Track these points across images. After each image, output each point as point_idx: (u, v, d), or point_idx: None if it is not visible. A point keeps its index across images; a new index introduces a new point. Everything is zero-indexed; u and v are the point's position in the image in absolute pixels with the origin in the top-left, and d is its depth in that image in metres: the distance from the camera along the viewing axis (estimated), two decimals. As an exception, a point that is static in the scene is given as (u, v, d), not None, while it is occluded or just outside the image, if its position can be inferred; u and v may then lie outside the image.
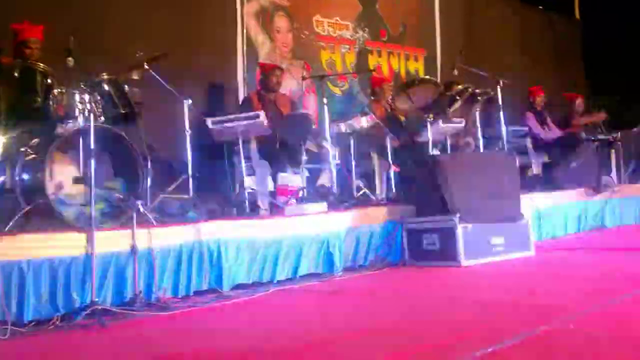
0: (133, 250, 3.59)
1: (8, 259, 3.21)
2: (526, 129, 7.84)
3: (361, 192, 5.48)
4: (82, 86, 3.95)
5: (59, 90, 3.93)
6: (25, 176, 3.85)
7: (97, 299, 3.37)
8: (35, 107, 3.81)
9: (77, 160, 3.90)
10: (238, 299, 3.83)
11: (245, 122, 4.87)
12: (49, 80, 3.88)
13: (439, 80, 7.68)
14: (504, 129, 6.43)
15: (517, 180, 5.24)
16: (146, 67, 4.69)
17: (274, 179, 5.39)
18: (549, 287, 3.80)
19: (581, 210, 6.76)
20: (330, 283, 4.37)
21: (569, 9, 11.41)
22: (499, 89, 6.30)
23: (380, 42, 8.34)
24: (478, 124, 6.32)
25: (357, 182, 5.51)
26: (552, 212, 6.37)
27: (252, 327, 3.26)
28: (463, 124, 6.32)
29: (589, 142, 7.49)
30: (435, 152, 6.08)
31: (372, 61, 8.22)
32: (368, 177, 6.13)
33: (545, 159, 7.82)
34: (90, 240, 3.44)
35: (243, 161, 4.89)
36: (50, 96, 3.87)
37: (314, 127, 5.35)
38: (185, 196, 4.69)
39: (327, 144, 5.36)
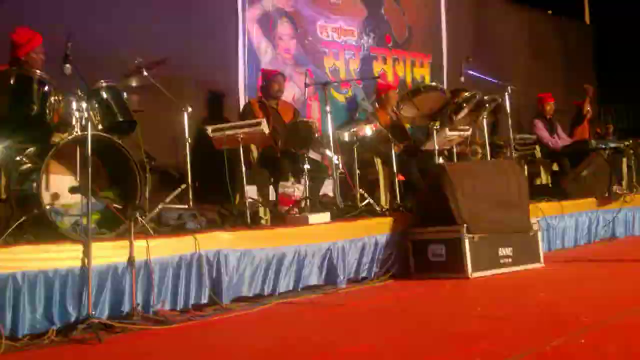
0: (130, 262, 3.59)
1: (2, 271, 3.20)
2: (535, 136, 7.83)
3: (365, 202, 5.47)
4: (79, 94, 3.95)
5: (56, 97, 3.92)
6: (21, 186, 3.85)
7: (93, 313, 3.36)
8: (31, 115, 3.80)
9: (74, 169, 3.90)
10: (238, 313, 3.82)
11: (246, 130, 4.87)
12: (45, 88, 3.87)
13: (445, 87, 7.69)
14: (511, 136, 6.43)
15: (526, 189, 5.23)
16: (145, 73, 4.70)
17: (276, 189, 5.40)
18: (559, 300, 3.78)
19: (591, 221, 6.75)
20: (334, 296, 4.36)
21: (579, 14, 11.43)
22: (506, 96, 6.30)
23: (386, 48, 8.36)
24: (485, 132, 6.31)
25: (361, 191, 5.50)
26: (562, 223, 6.36)
27: (252, 341, 3.25)
28: (470, 132, 6.32)
29: (599, 150, 7.47)
30: (441, 160, 6.07)
31: (377, 67, 8.24)
32: (372, 187, 6.13)
33: (555, 167, 7.81)
34: (86, 252, 3.43)
35: (244, 170, 4.88)
36: (47, 104, 3.87)
37: (316, 135, 5.34)
38: (184, 206, 4.69)
39: (330, 153, 5.36)
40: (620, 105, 11.46)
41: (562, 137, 8.15)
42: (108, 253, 3.58)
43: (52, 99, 3.90)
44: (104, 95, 4.17)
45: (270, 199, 5.56)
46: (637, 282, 4.15)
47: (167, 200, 4.69)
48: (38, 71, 3.94)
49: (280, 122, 5.78)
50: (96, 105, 4.06)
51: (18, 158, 3.93)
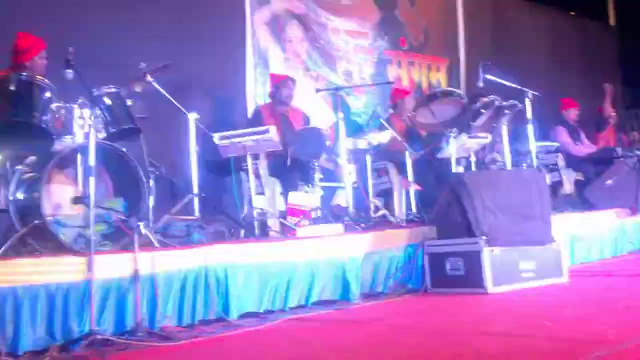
0: (135, 275, 3.60)
1: (2, 285, 3.22)
2: (557, 144, 7.81)
3: (379, 213, 5.48)
4: (82, 100, 4.00)
5: (58, 104, 3.97)
6: (21, 196, 3.89)
7: (96, 328, 3.38)
8: (32, 122, 3.85)
9: (76, 179, 3.94)
10: (246, 329, 3.81)
11: (254, 138, 4.89)
12: (47, 94, 3.92)
13: (462, 92, 7.69)
14: (533, 144, 6.41)
15: (548, 200, 5.21)
16: (149, 79, 4.74)
17: (285, 199, 5.41)
18: (585, 316, 3.75)
19: (618, 233, 6.70)
20: (346, 311, 4.35)
21: (602, 15, 11.40)
22: (527, 101, 6.29)
23: (401, 51, 8.38)
24: (505, 139, 6.30)
25: (374, 201, 5.51)
26: (587, 235, 6.32)
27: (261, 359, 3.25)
28: (489, 139, 6.31)
29: (625, 159, 7.44)
30: (459, 169, 6.07)
31: (392, 71, 8.26)
32: (386, 197, 6.13)
33: (578, 176, 7.78)
34: (89, 265, 3.44)
35: (252, 179, 4.90)
36: (48, 111, 3.92)
37: (328, 142, 5.36)
38: (191, 217, 4.71)
39: (342, 161, 5.37)
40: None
41: (586, 145, 8.13)
42: (112, 266, 3.59)
43: (53, 105, 3.94)
44: (107, 101, 4.21)
45: (280, 209, 5.57)
46: (666, 298, 4.12)
47: (173, 210, 4.72)
48: (39, 77, 3.99)
49: (291, 129, 5.80)
50: (99, 112, 4.09)
51: (18, 167, 3.97)
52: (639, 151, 7.67)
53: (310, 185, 5.41)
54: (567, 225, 6.00)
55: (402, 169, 6.05)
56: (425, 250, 5.00)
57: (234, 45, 6.76)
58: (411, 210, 5.86)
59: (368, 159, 5.67)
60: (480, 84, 6.46)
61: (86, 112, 3.97)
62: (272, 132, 4.91)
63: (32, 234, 3.73)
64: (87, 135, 3.84)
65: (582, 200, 7.08)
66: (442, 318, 4.15)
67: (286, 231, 5.08)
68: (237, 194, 4.98)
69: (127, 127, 4.27)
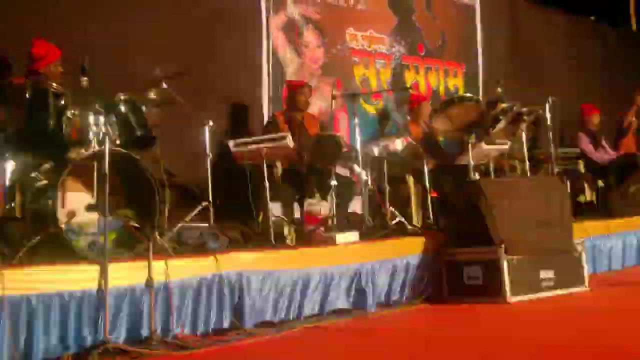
0: (149, 283, 3.61)
1: (16, 293, 3.23)
2: (578, 150, 7.74)
3: (396, 221, 5.44)
4: (97, 107, 4.00)
5: (73, 112, 3.99)
6: (36, 203, 3.90)
7: (110, 337, 3.39)
8: (47, 129, 3.87)
9: (91, 186, 3.95)
10: (261, 338, 3.81)
11: (270, 145, 4.88)
12: (62, 102, 3.94)
13: (481, 98, 7.65)
14: (553, 150, 6.36)
15: (569, 207, 5.16)
16: (164, 86, 4.75)
17: (301, 206, 5.40)
18: (607, 327, 3.71)
19: (640, 241, 6.63)
20: (362, 320, 4.34)
21: (623, 20, 11.30)
22: (547, 107, 6.24)
23: (418, 57, 8.36)
24: (524, 146, 6.25)
25: (391, 209, 5.48)
26: (608, 243, 6.26)
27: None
28: (508, 146, 6.26)
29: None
30: (478, 176, 6.02)
31: (409, 77, 8.23)
32: (403, 204, 6.09)
33: (600, 183, 7.70)
34: (103, 273, 3.45)
35: (267, 186, 4.89)
36: (63, 118, 3.94)
37: (344, 149, 5.34)
38: (205, 225, 4.71)
39: (359, 168, 5.35)
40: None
41: (607, 151, 8.05)
42: (125, 274, 3.60)
43: (68, 113, 3.97)
44: (122, 109, 4.21)
45: (295, 217, 5.56)
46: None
47: (187, 218, 4.72)
48: (54, 84, 4.02)
49: (306, 135, 5.79)
50: (114, 120, 4.10)
51: (33, 174, 4.00)
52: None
53: (325, 192, 5.38)
54: (588, 233, 5.93)
55: (419, 176, 6.01)
56: (443, 259, 4.98)
57: (249, 51, 6.77)
58: (428, 217, 5.82)
59: (384, 165, 5.64)
60: (499, 90, 6.43)
61: (101, 119, 3.98)
62: (288, 139, 4.90)
63: (47, 241, 3.74)
64: (102, 143, 3.86)
65: (604, 208, 6.99)
66: (460, 328, 4.12)
67: (301, 239, 5.06)
68: (253, 201, 4.97)
69: (142, 134, 4.28)
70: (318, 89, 7.10)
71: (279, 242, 4.85)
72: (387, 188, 5.60)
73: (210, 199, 4.82)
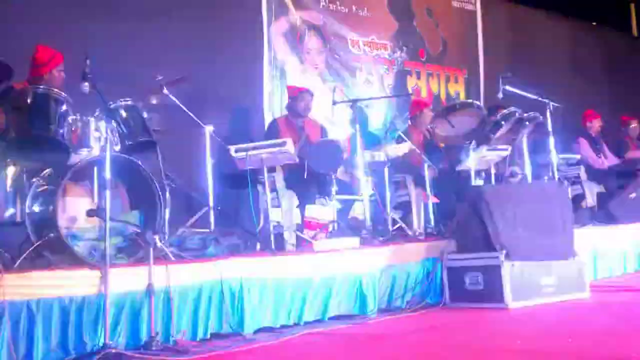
0: (149, 289, 3.61)
1: (16, 298, 3.24)
2: (579, 156, 7.74)
3: (397, 226, 5.45)
4: (98, 113, 4.03)
5: (74, 117, 4.01)
6: (36, 208, 3.92)
7: (110, 342, 3.38)
8: (49, 135, 3.88)
9: (92, 191, 3.96)
10: (261, 344, 3.80)
11: (271, 150, 4.89)
12: (63, 107, 3.95)
13: (482, 103, 7.65)
14: (554, 156, 6.36)
15: (570, 213, 5.16)
16: (165, 91, 4.77)
17: (302, 212, 5.39)
18: (608, 334, 3.70)
19: (642, 247, 6.62)
20: (363, 326, 4.33)
21: (625, 25, 11.32)
22: (548, 113, 6.25)
23: (420, 63, 8.37)
24: (525, 152, 6.26)
25: (392, 215, 5.48)
26: (609, 249, 6.25)
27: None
28: (509, 152, 6.27)
29: (649, 171, 7.36)
30: (479, 182, 6.03)
31: (411, 83, 8.24)
32: (404, 210, 6.10)
33: (601, 189, 7.70)
34: (104, 278, 3.46)
35: (268, 192, 4.90)
36: (64, 123, 3.95)
37: (345, 155, 5.35)
38: (206, 230, 4.72)
39: (360, 174, 5.35)
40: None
41: (608, 157, 8.05)
42: (126, 279, 3.61)
43: (70, 118, 3.98)
44: (124, 114, 4.24)
45: (296, 222, 5.56)
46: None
47: (188, 223, 4.73)
48: (56, 90, 4.02)
49: (307, 141, 5.79)
50: (115, 125, 4.12)
51: (34, 179, 4.00)
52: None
53: (327, 198, 5.39)
54: (589, 239, 5.94)
55: (420, 182, 6.02)
56: (444, 265, 4.97)
57: (250, 56, 6.78)
58: (429, 223, 5.82)
59: (386, 171, 5.64)
60: (500, 96, 6.43)
61: (102, 124, 4.00)
62: (289, 145, 4.91)
63: (47, 246, 3.75)
64: (103, 148, 3.87)
65: (605, 214, 6.99)
66: (461, 334, 4.11)
67: (302, 245, 5.07)
68: (253, 207, 4.97)
69: (143, 139, 4.30)
70: (320, 95, 7.10)
71: (280, 247, 4.86)
72: (388, 194, 5.60)
73: (211, 204, 4.82)
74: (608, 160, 7.98)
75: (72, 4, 5.50)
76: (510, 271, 4.63)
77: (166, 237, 4.33)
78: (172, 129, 4.94)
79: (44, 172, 4.04)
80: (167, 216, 4.35)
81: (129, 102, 4.32)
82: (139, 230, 3.99)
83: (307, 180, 5.50)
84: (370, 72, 7.86)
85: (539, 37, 9.74)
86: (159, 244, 3.90)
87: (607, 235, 6.32)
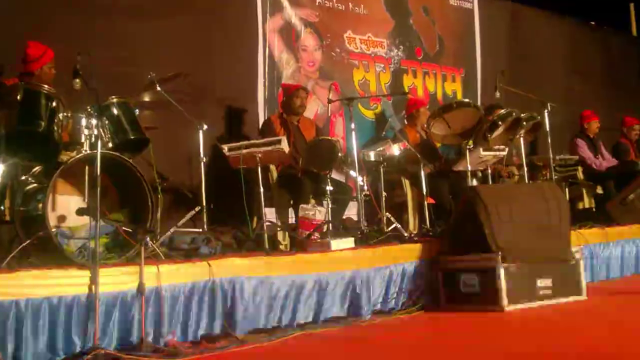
0: (140, 289, 3.59)
1: (4, 298, 3.22)
2: (577, 157, 7.76)
3: (392, 227, 5.44)
4: (89, 110, 4.01)
5: (64, 114, 3.99)
6: (26, 207, 3.89)
7: (99, 343, 3.38)
8: (38, 132, 3.86)
9: (82, 190, 3.94)
10: (254, 345, 3.80)
11: (265, 149, 4.88)
12: (53, 104, 3.93)
13: (479, 103, 7.67)
14: (551, 157, 6.37)
15: (567, 214, 5.16)
16: (158, 88, 4.75)
17: (296, 211, 5.39)
18: (605, 337, 3.70)
19: (639, 249, 6.63)
20: (357, 328, 4.32)
21: (624, 25, 11.33)
22: (546, 113, 6.26)
23: (416, 61, 8.36)
24: (523, 152, 6.26)
25: (387, 215, 5.47)
26: (607, 251, 6.25)
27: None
28: (506, 152, 6.27)
29: (647, 172, 7.37)
30: (475, 182, 6.03)
31: (407, 82, 8.24)
32: (399, 210, 6.10)
33: (599, 190, 7.71)
34: (93, 278, 3.45)
35: (262, 191, 4.89)
36: (55, 121, 3.93)
37: (340, 154, 5.34)
38: (198, 230, 4.71)
39: (355, 173, 5.35)
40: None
41: (606, 158, 8.07)
42: (116, 279, 3.59)
43: (60, 115, 3.96)
44: (115, 111, 4.23)
45: (290, 222, 5.55)
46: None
47: (180, 223, 4.72)
48: (46, 86, 4.01)
49: (302, 140, 5.79)
50: (106, 122, 4.11)
51: (23, 177, 3.99)
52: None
53: (321, 197, 5.38)
54: (587, 241, 5.94)
55: (416, 182, 6.01)
56: (439, 266, 4.97)
57: (245, 53, 6.76)
58: (425, 224, 5.82)
59: (381, 171, 5.64)
60: (497, 95, 6.44)
61: (93, 122, 3.97)
62: (284, 143, 4.90)
63: (37, 245, 3.73)
64: (94, 146, 3.86)
65: (602, 215, 7.00)
66: (455, 336, 4.12)
67: (296, 245, 5.05)
68: (246, 206, 4.96)
69: (134, 137, 4.28)
70: (315, 93, 7.11)
71: (273, 247, 4.85)
72: (384, 194, 5.59)
73: (204, 203, 4.81)
74: (606, 162, 7.99)
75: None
76: (506, 273, 4.62)
77: (157, 237, 4.32)
78: (165, 126, 4.93)
79: (34, 169, 4.02)
80: (158, 215, 4.33)
81: (121, 99, 4.30)
82: (129, 230, 3.98)
83: (302, 179, 5.50)
84: (368, 69, 7.85)
85: (537, 36, 9.74)
86: (150, 243, 3.89)
87: (605, 237, 6.32)
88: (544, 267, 4.82)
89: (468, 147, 5.83)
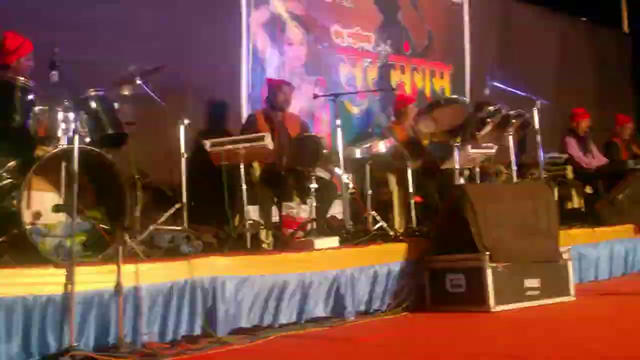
0: (118, 288, 3.57)
1: (-23, 297, 3.21)
2: (566, 156, 7.80)
3: (377, 226, 5.45)
4: (67, 103, 3.98)
5: (41, 107, 3.96)
6: (0, 203, 3.86)
7: (76, 344, 3.35)
8: (13, 126, 3.84)
9: (58, 186, 3.91)
10: (235, 346, 3.79)
11: (248, 145, 4.88)
12: (29, 97, 3.90)
13: (467, 100, 7.68)
14: (540, 155, 6.40)
15: (556, 214, 5.19)
16: (139, 82, 4.73)
17: (279, 209, 5.39)
18: (591, 338, 3.73)
19: (628, 250, 6.68)
20: (341, 329, 4.33)
21: (615, 21, 11.40)
22: (535, 111, 6.29)
23: (404, 57, 8.37)
24: (511, 150, 6.29)
25: (373, 214, 5.48)
26: (595, 252, 6.30)
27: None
28: (494, 150, 6.30)
29: (637, 172, 7.42)
30: (463, 181, 6.05)
31: (395, 78, 8.24)
32: (385, 209, 6.10)
33: (588, 190, 7.76)
34: (69, 277, 3.42)
35: (245, 188, 4.88)
36: (31, 114, 3.90)
37: (325, 151, 5.34)
38: (179, 228, 4.69)
39: (340, 171, 5.35)
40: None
41: (596, 157, 8.11)
42: (93, 278, 3.57)
43: (36, 108, 3.93)
44: (93, 105, 4.19)
45: (273, 220, 5.55)
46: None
47: (160, 220, 4.70)
48: (22, 78, 3.98)
49: (286, 136, 5.78)
50: (84, 116, 4.07)
51: (-2, 172, 3.95)
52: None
53: (305, 195, 5.37)
54: (575, 241, 5.97)
55: (402, 180, 6.02)
56: (425, 266, 4.98)
57: (228, 47, 6.74)
58: (411, 223, 5.83)
59: (367, 168, 5.64)
60: (487, 92, 6.46)
61: (70, 116, 3.94)
62: (267, 139, 4.90)
63: (11, 243, 3.71)
64: (71, 141, 3.83)
65: (592, 215, 7.05)
66: (441, 337, 4.13)
67: (279, 243, 5.05)
68: (228, 203, 4.95)
69: (113, 132, 4.25)
70: (300, 88, 7.09)
71: (256, 246, 4.85)
72: (369, 192, 5.60)
73: (185, 200, 4.80)
74: (596, 161, 8.04)
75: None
76: (494, 273, 4.64)
77: (136, 235, 4.30)
78: (145, 121, 4.90)
79: (9, 164, 3.98)
80: (137, 213, 4.31)
81: (100, 93, 4.26)
82: (107, 228, 3.96)
83: (285, 176, 5.49)
84: (355, 64, 7.84)
85: (528, 32, 9.78)
86: (128, 242, 3.87)
87: (593, 237, 6.36)
88: (531, 268, 4.84)
89: (456, 144, 5.84)
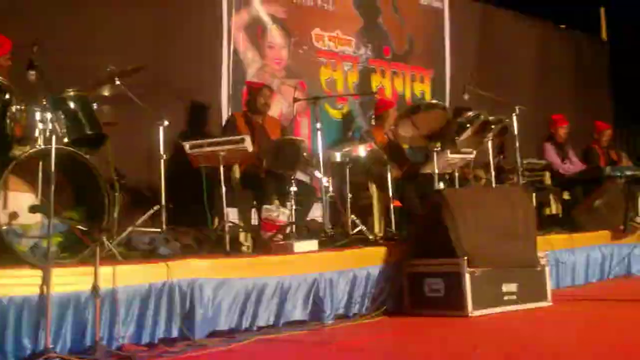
0: (94, 290, 3.55)
1: (-49, 298, 3.18)
2: (544, 161, 7.87)
3: (357, 230, 5.47)
4: (44, 103, 3.95)
5: (18, 107, 3.93)
6: (-25, 203, 3.83)
7: (52, 346, 3.33)
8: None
9: (35, 186, 3.88)
10: (212, 349, 3.79)
11: (228, 147, 4.87)
12: (6, 96, 3.87)
13: (447, 105, 7.73)
14: (519, 161, 6.46)
15: (534, 219, 5.24)
16: (118, 82, 4.71)
17: (259, 212, 5.38)
18: (566, 343, 3.77)
19: (605, 256, 6.76)
20: (319, 333, 4.34)
21: (594, 28, 11.53)
22: (514, 117, 6.34)
23: (385, 61, 8.40)
24: (490, 156, 6.34)
25: (352, 217, 5.50)
26: (572, 257, 6.36)
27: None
28: (473, 155, 6.35)
29: (615, 178, 7.50)
30: (442, 186, 6.09)
31: (375, 81, 8.27)
32: (365, 213, 6.12)
33: (566, 196, 7.83)
34: (46, 278, 3.40)
35: (224, 191, 4.88)
36: (7, 114, 3.87)
37: (305, 154, 5.35)
38: (157, 229, 4.67)
39: (320, 174, 5.36)
40: (639, 129, 11.54)
41: (574, 163, 8.19)
42: (70, 280, 3.56)
43: (13, 108, 3.90)
44: (72, 105, 4.16)
45: (253, 223, 5.54)
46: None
47: (138, 222, 4.68)
48: (0, 77, 3.94)
49: (266, 139, 5.78)
50: (62, 116, 4.05)
51: (-27, 172, 3.92)
52: (628, 171, 7.73)
53: (284, 198, 5.38)
54: (552, 247, 6.03)
55: (382, 184, 6.04)
56: (404, 270, 5.01)
57: (208, 49, 6.73)
58: (390, 227, 5.85)
59: (347, 172, 5.66)
60: (466, 97, 6.51)
61: (48, 116, 3.92)
62: (247, 142, 4.90)
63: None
64: (48, 141, 3.80)
65: (569, 221, 7.12)
66: (418, 341, 4.16)
67: (258, 246, 5.05)
68: (207, 206, 4.94)
69: (91, 133, 4.23)
70: (280, 91, 7.10)
71: (235, 249, 4.84)
72: (349, 195, 5.62)
73: (163, 202, 4.78)
74: (574, 167, 8.11)
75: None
76: (472, 278, 4.68)
77: (114, 236, 4.28)
78: (124, 122, 4.88)
79: (-17, 164, 3.95)
80: (115, 214, 4.30)
81: (78, 93, 4.24)
82: (84, 229, 3.94)
83: (265, 179, 5.49)
84: (335, 68, 7.86)
85: (508, 38, 9.85)
86: (106, 243, 3.85)
87: (571, 243, 6.43)
88: (509, 273, 4.88)
89: (435, 149, 5.87)
